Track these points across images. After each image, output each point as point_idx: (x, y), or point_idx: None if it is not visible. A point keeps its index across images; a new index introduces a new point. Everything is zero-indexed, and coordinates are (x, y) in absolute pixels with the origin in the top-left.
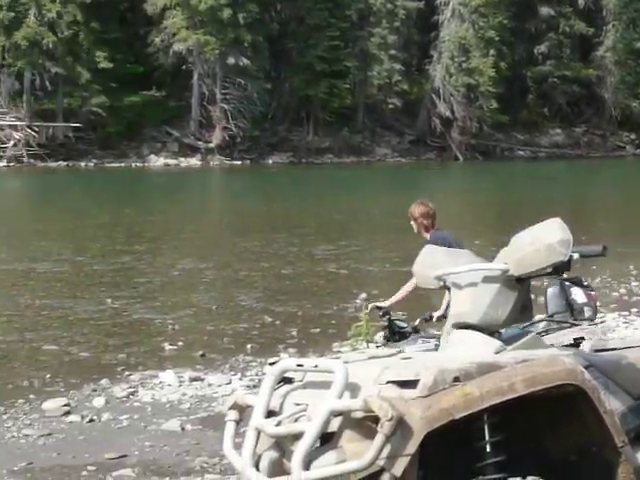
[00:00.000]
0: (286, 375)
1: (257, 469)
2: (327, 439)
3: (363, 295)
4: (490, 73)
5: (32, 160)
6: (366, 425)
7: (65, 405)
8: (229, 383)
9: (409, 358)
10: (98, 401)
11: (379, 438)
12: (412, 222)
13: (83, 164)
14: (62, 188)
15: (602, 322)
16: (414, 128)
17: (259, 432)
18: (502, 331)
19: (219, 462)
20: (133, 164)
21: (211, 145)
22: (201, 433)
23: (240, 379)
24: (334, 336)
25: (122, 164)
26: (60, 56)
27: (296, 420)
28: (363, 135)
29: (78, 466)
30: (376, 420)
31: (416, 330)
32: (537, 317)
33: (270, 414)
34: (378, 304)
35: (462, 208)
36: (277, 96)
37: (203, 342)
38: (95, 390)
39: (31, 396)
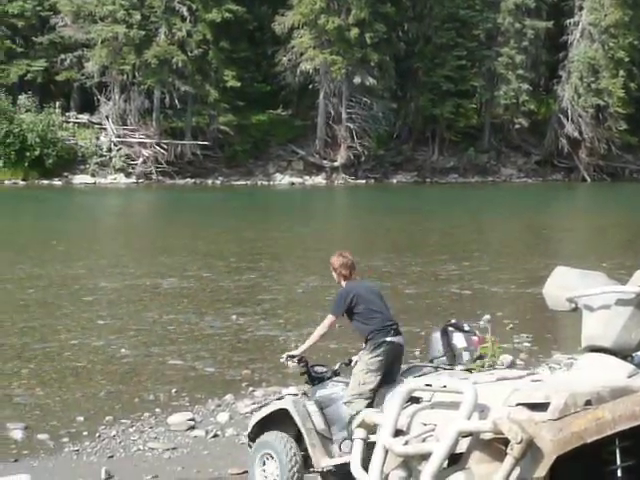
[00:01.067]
0: (414, 395)
1: None
2: (455, 460)
3: (487, 316)
4: (619, 94)
5: (160, 177)
6: (495, 447)
7: (190, 420)
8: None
9: (539, 380)
10: (222, 416)
11: (508, 461)
12: (332, 271)
13: (210, 181)
14: (189, 205)
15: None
16: (541, 148)
17: (387, 451)
18: (635, 355)
19: None
20: (259, 182)
21: (336, 164)
22: None
23: None
24: None
25: (248, 182)
26: (189, 74)
27: (424, 440)
28: (489, 155)
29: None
30: (505, 442)
31: (336, 373)
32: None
33: (397, 433)
34: (290, 353)
35: (590, 230)
36: (402, 115)
37: (326, 360)
38: (219, 405)
39: (157, 410)
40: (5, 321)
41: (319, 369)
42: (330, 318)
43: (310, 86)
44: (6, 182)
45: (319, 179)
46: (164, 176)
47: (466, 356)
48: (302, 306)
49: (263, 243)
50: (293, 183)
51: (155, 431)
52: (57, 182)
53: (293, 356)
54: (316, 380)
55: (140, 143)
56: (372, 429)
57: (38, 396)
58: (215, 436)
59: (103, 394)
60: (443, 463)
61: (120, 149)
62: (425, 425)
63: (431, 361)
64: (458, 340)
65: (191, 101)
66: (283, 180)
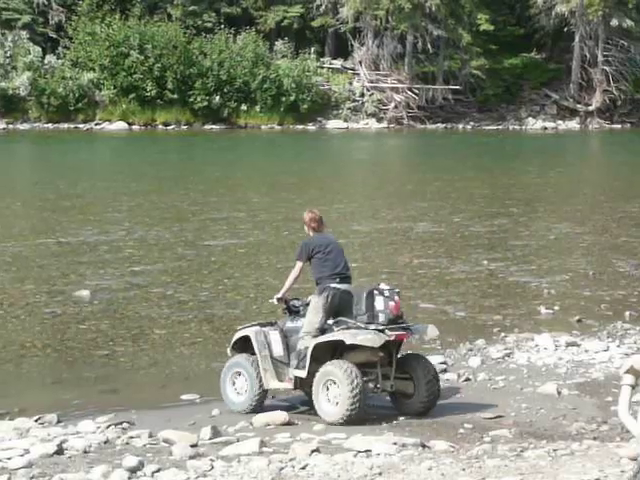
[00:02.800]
0: None
1: None
2: None
3: None
4: None
5: (411, 122)
6: None
7: (442, 363)
8: (606, 350)
9: None
10: (474, 361)
11: None
12: (304, 224)
13: (461, 126)
14: (439, 149)
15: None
16: None
17: None
18: None
19: (596, 429)
20: (510, 127)
21: (590, 108)
22: (578, 398)
23: (618, 346)
24: None
25: (499, 126)
26: (442, 18)
27: None
28: None
29: (454, 423)
30: None
31: (308, 304)
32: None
33: None
34: (276, 296)
35: None
36: None
37: (579, 307)
38: (471, 350)
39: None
40: (262, 262)
41: (295, 302)
42: (297, 264)
43: (565, 29)
44: (262, 127)
45: (572, 124)
46: (415, 121)
47: (382, 317)
48: (554, 252)
49: (515, 188)
50: (546, 128)
51: None
52: (311, 127)
53: (279, 299)
54: (293, 313)
55: (392, 88)
56: None
57: None
58: (467, 380)
59: None
60: None
61: (372, 94)
62: None
63: (355, 318)
64: (378, 303)
65: (443, 45)
66: (535, 125)
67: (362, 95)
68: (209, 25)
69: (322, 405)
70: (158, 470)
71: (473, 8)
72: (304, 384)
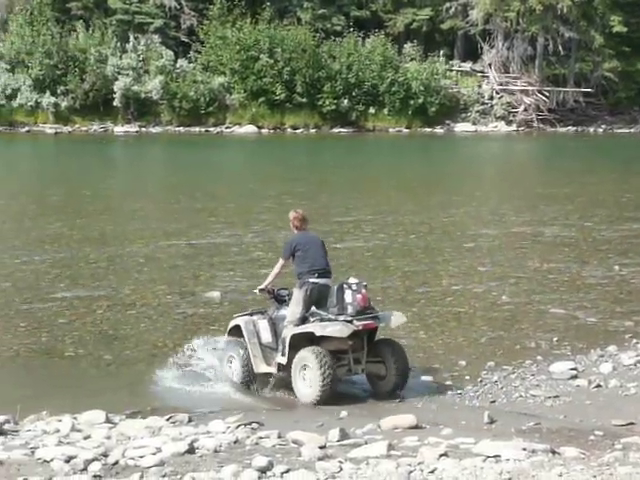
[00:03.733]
0: None
1: None
2: None
3: None
4: None
5: (541, 125)
6: None
7: (572, 369)
8: None
9: None
10: (605, 367)
11: None
12: (290, 223)
13: (592, 129)
14: (569, 153)
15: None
16: None
17: None
18: None
19: None
20: None
21: None
22: None
23: None
24: None
25: (631, 130)
26: (574, 20)
27: None
28: None
29: (585, 430)
30: None
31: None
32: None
33: None
34: (259, 288)
35: None
36: None
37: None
38: (602, 356)
39: (538, 357)
40: (389, 265)
41: (282, 292)
42: (280, 261)
43: None
44: (390, 130)
45: None
46: (545, 124)
47: (350, 309)
48: None
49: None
50: None
51: (537, 379)
52: (439, 130)
53: (262, 289)
54: (281, 302)
55: (522, 91)
56: None
57: (421, 339)
58: (598, 386)
59: (484, 340)
60: None
61: (501, 97)
62: None
63: (327, 310)
64: (347, 296)
65: (575, 47)
66: None
67: (491, 98)
68: (338, 28)
69: (299, 387)
70: (287, 471)
71: (606, 10)
72: (285, 369)
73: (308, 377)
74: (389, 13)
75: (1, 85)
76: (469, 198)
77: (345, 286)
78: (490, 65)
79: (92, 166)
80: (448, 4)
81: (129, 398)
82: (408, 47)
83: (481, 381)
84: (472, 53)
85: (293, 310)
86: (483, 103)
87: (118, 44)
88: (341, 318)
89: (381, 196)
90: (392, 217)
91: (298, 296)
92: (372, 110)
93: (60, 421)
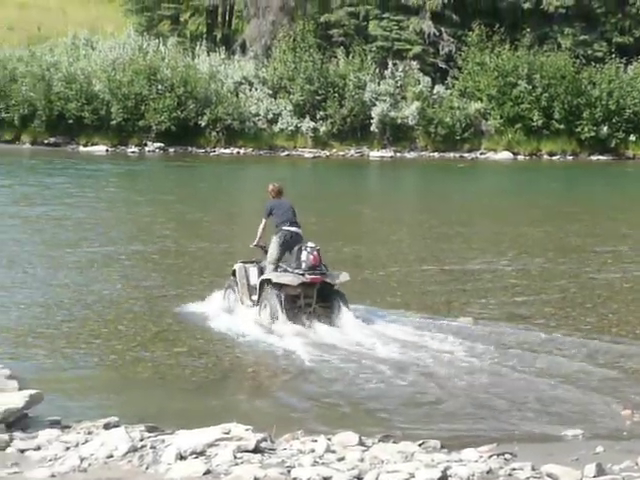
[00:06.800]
0: None
1: None
2: None
3: None
4: None
5: None
6: None
7: None
8: None
9: None
10: None
11: None
12: (268, 194)
13: None
14: None
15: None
16: None
17: None
18: None
19: None
20: None
21: None
22: None
23: None
24: None
25: None
26: None
27: None
28: None
29: None
30: None
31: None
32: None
33: None
34: (253, 244)
35: None
36: None
37: None
38: None
39: None
40: None
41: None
42: (262, 220)
43: None
44: None
45: None
46: None
47: (304, 265)
48: None
49: None
50: None
51: None
52: None
53: (255, 245)
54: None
55: None
56: None
57: None
58: None
59: None
60: None
61: None
62: None
63: (289, 266)
64: (303, 255)
65: None
66: None
67: None
68: (599, 55)
69: (262, 316)
70: None
71: None
72: (256, 304)
73: (267, 310)
74: None
75: (263, 110)
76: None
77: (303, 248)
78: None
79: (347, 190)
80: None
81: (379, 421)
82: None
83: None
84: None
85: (271, 252)
86: None
87: (377, 70)
88: (296, 271)
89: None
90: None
91: (275, 241)
92: (633, 137)
93: (315, 441)
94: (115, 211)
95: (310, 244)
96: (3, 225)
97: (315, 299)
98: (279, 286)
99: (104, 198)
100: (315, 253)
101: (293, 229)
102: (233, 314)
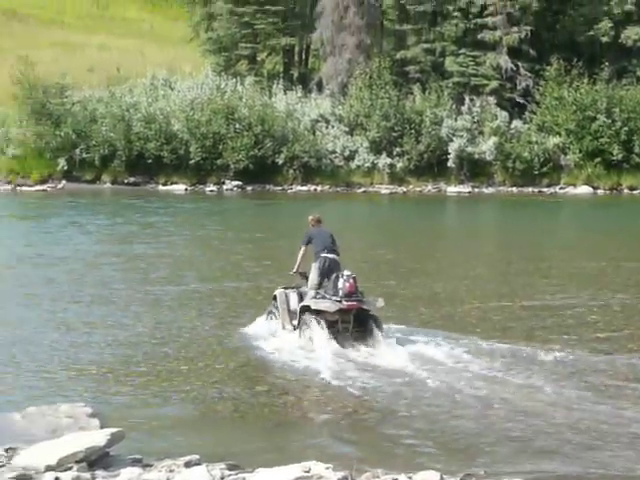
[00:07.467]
0: None
1: None
2: None
3: None
4: None
5: None
6: None
7: None
8: None
9: None
10: None
11: None
12: (308, 222)
13: None
14: None
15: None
16: None
17: None
18: None
19: None
20: None
21: None
22: None
23: None
24: None
25: None
26: None
27: None
28: None
29: None
30: None
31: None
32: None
33: None
34: (293, 271)
35: None
36: None
37: None
38: None
39: None
40: None
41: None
42: (301, 247)
43: None
44: None
45: None
46: None
47: (341, 292)
48: None
49: None
50: None
51: None
52: None
53: (295, 272)
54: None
55: None
56: None
57: None
58: None
59: None
60: None
61: None
62: None
63: (327, 292)
64: (340, 283)
65: None
66: None
67: None
68: None
69: (303, 340)
70: None
71: None
72: (297, 328)
73: (307, 332)
74: None
75: (340, 147)
76: None
77: (340, 276)
78: None
79: (424, 225)
80: None
81: (462, 460)
82: None
83: None
84: None
85: (312, 278)
86: None
87: (453, 106)
88: (333, 298)
89: None
90: None
91: (315, 267)
92: None
93: None
94: (213, 249)
95: (347, 272)
96: (107, 263)
97: (352, 324)
98: (317, 312)
99: (200, 236)
100: (351, 281)
101: (330, 256)
102: (277, 337)
